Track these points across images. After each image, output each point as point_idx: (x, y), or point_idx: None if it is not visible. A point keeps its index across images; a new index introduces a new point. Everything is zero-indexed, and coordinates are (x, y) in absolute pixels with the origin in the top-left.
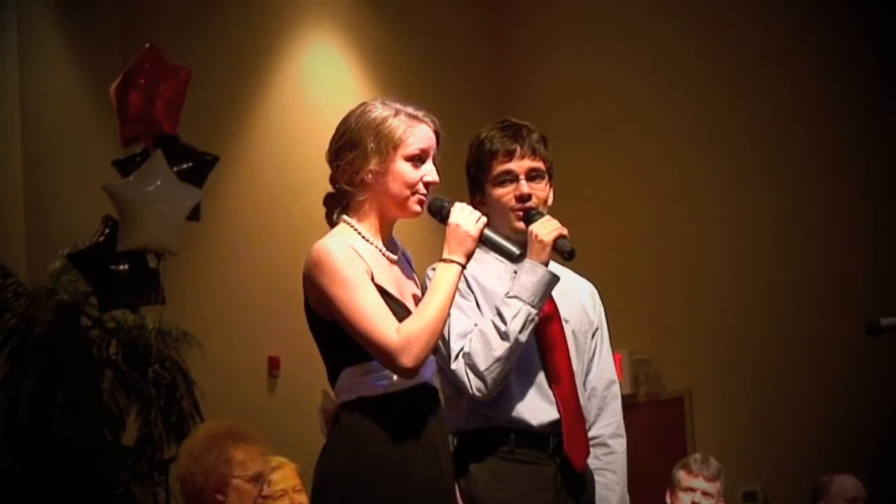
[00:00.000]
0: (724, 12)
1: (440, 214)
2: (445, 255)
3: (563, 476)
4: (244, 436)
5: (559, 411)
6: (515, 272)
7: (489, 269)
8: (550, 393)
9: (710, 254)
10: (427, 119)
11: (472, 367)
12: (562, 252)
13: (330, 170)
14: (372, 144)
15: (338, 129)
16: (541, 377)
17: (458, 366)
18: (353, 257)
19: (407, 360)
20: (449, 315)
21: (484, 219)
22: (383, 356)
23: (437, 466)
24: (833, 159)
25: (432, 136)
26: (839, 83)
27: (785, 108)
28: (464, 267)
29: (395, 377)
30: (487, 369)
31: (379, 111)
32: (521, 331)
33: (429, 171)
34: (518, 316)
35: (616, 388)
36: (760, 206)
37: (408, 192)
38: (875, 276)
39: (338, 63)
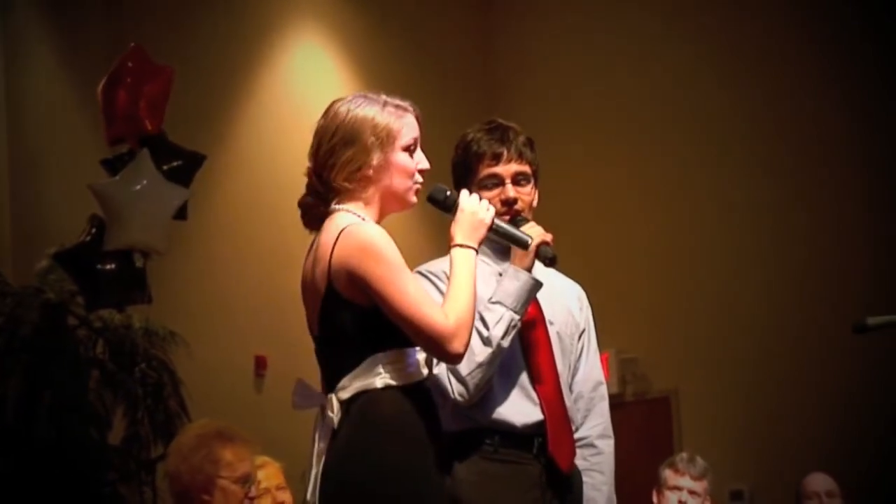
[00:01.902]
0: (722, 12)
1: (444, 203)
2: (461, 241)
3: (549, 476)
4: (233, 436)
5: (543, 413)
6: (500, 275)
7: None
8: (534, 394)
9: (698, 253)
10: (411, 107)
11: (453, 371)
12: (544, 258)
13: (317, 170)
14: (371, 139)
15: (326, 128)
16: (525, 379)
17: (440, 370)
18: (393, 242)
19: (458, 345)
20: None
21: (493, 208)
22: (435, 341)
23: (439, 460)
24: (831, 158)
25: (416, 123)
26: (839, 83)
27: (783, 106)
28: (477, 252)
29: (418, 366)
30: (469, 374)
31: (369, 105)
32: (503, 337)
33: (421, 159)
34: (501, 322)
35: (603, 390)
36: (751, 206)
37: (409, 183)
38: (867, 277)
39: (324, 62)
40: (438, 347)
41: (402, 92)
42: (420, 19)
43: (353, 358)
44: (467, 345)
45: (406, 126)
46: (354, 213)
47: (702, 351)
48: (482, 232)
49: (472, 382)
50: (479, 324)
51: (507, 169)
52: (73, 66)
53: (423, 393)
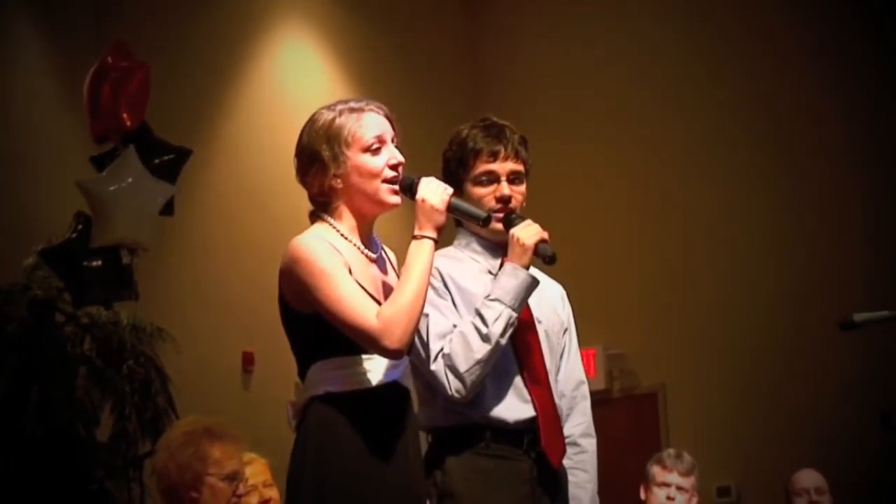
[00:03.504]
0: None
1: (410, 191)
2: (416, 232)
3: (539, 472)
4: (222, 434)
5: (535, 409)
6: (490, 272)
7: (464, 268)
8: (526, 391)
9: (686, 249)
10: (372, 106)
11: (451, 368)
12: (543, 256)
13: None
14: (327, 152)
15: (296, 149)
16: (517, 376)
17: (437, 367)
18: (330, 250)
19: (390, 342)
20: (427, 292)
21: (449, 189)
22: (366, 340)
23: (406, 467)
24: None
25: (383, 120)
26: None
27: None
28: (435, 241)
29: (364, 374)
30: (468, 371)
31: (324, 117)
32: (502, 334)
33: (391, 155)
34: (500, 319)
35: (585, 389)
36: (741, 204)
37: (377, 183)
38: (851, 273)
39: (311, 58)
40: (371, 345)
41: (388, 89)
42: (408, 17)
43: (304, 365)
44: (406, 339)
45: (363, 127)
46: (329, 223)
47: (690, 347)
48: (437, 217)
49: (469, 379)
50: (477, 321)
51: (503, 167)
52: (60, 63)
53: (374, 398)
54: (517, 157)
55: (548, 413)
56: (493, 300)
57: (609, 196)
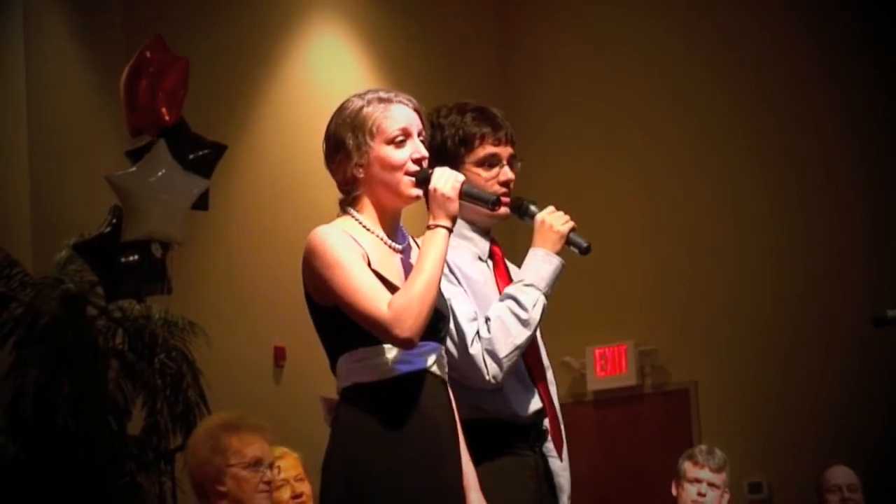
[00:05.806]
0: (725, 13)
1: (426, 184)
2: (430, 222)
3: (544, 467)
4: (241, 425)
5: (542, 399)
6: (480, 258)
7: (461, 254)
8: (530, 381)
9: (716, 245)
10: (401, 98)
11: (491, 353)
12: (578, 247)
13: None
14: (351, 140)
15: (325, 135)
16: (522, 367)
17: (476, 350)
18: (348, 241)
19: (401, 331)
20: (440, 281)
21: (461, 177)
22: (378, 330)
23: (440, 459)
24: (833, 157)
25: (411, 113)
26: (839, 84)
27: (785, 105)
28: (449, 230)
29: (389, 363)
30: (507, 356)
31: (352, 105)
32: (539, 319)
33: (415, 149)
34: (537, 305)
35: (550, 375)
36: (764, 201)
37: (398, 176)
38: (880, 270)
39: (344, 53)
40: (383, 334)
41: (419, 83)
42: (439, 11)
43: (333, 357)
44: (417, 328)
45: (389, 118)
46: (352, 216)
47: (722, 343)
48: (450, 206)
49: (507, 364)
50: (514, 306)
51: (505, 150)
52: (94, 56)
53: (401, 387)
54: (513, 140)
55: (550, 403)
56: (528, 286)
57: (639, 193)
